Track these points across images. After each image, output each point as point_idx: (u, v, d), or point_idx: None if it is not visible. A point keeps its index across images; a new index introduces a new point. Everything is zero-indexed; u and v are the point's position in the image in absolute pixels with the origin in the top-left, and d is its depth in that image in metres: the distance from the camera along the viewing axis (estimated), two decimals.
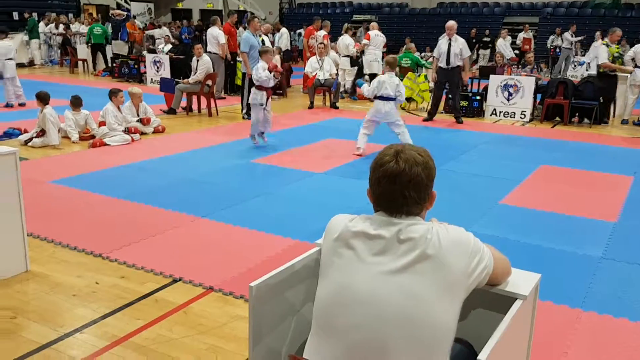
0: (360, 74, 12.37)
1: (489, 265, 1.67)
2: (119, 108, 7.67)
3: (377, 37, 12.20)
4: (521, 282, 1.91)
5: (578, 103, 9.80)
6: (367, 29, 13.01)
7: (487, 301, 1.97)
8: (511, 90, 10.14)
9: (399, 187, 1.61)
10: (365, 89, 7.10)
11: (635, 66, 9.58)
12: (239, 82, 12.55)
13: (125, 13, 18.58)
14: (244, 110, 9.62)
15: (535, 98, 10.28)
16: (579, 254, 4.10)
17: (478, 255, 1.62)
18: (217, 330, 3.02)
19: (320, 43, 11.46)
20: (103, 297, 3.35)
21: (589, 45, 16.81)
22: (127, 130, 7.60)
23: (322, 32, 12.91)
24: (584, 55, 16.58)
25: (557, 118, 10.07)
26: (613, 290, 3.53)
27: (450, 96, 10.47)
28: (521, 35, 18.96)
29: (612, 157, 7.28)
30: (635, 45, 10.44)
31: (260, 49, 7.68)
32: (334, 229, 1.73)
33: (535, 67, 10.94)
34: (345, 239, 1.67)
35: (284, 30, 14.58)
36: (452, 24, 9.45)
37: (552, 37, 18.23)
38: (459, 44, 9.26)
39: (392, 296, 1.54)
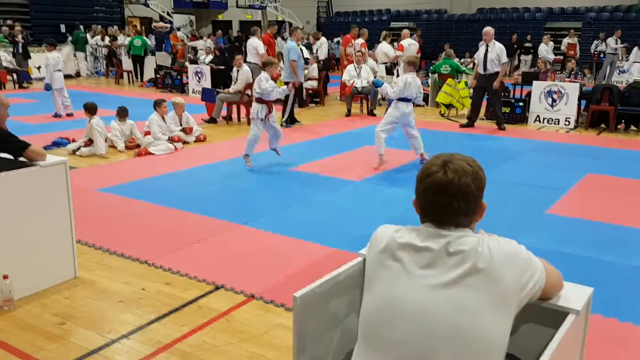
0: None
1: (541, 279, 1.62)
2: (163, 118, 7.84)
3: (410, 47, 12.17)
4: (573, 296, 1.86)
5: (624, 109, 9.49)
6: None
7: (537, 315, 1.91)
8: (555, 96, 9.91)
9: (448, 198, 1.57)
10: (389, 90, 6.85)
11: None
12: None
13: (168, 25, 19.05)
14: (284, 118, 9.69)
15: (579, 104, 10.02)
16: (629, 266, 3.95)
17: (530, 269, 1.58)
18: (259, 338, 3.04)
19: (358, 51, 11.46)
20: (148, 304, 3.42)
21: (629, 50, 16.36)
22: (171, 140, 7.77)
23: (360, 40, 12.90)
24: (627, 60, 16.12)
25: (603, 125, 9.78)
26: None
27: (491, 102, 10.34)
28: (566, 40, 18.53)
29: None
30: None
31: (264, 60, 7.26)
32: (380, 240, 1.71)
33: (578, 72, 10.66)
34: (391, 250, 1.64)
35: (323, 39, 14.64)
36: (488, 29, 9.37)
37: (595, 42, 17.75)
38: (496, 50, 9.13)
39: (442, 310, 1.51)
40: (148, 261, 4.01)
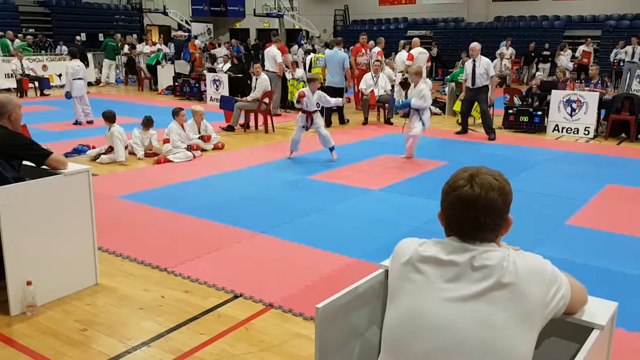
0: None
1: (567, 295, 1.61)
2: (182, 126, 7.92)
3: (420, 55, 12.13)
4: (597, 310, 1.84)
5: None
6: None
7: (561, 330, 1.90)
8: (574, 105, 9.82)
9: (474, 212, 1.57)
10: (422, 101, 7.38)
11: None
12: (292, 98, 12.75)
13: (186, 34, 19.28)
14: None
15: (599, 114, 9.91)
16: None
17: (556, 284, 1.57)
18: (278, 348, 3.04)
19: (376, 60, 11.47)
20: (168, 311, 3.44)
21: None
22: (189, 147, 7.84)
23: (377, 49, 12.93)
24: None
25: (623, 134, 9.66)
26: None
27: (509, 112, 10.34)
28: (581, 48, 18.37)
29: None
30: None
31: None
32: (403, 252, 1.71)
33: (600, 81, 10.54)
34: (415, 263, 1.64)
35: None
36: (474, 45, 9.62)
37: (615, 50, 17.55)
38: (484, 65, 9.39)
39: (467, 324, 1.51)
40: (167, 269, 4.05)
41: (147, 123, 7.93)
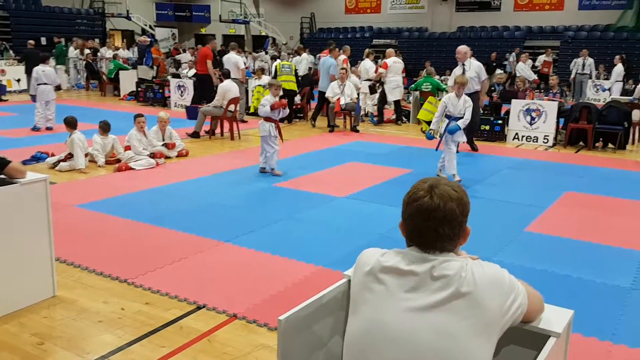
0: (383, 100, 12.41)
1: (524, 304, 1.65)
2: (144, 132, 7.79)
3: (395, 64, 12.32)
4: (554, 318, 1.88)
5: (602, 128, 9.70)
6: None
7: (519, 337, 1.93)
8: (534, 114, 10.08)
9: (433, 223, 1.60)
10: (465, 120, 6.82)
11: None
12: (257, 104, 12.73)
13: (149, 39, 19.01)
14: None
15: (558, 122, 10.20)
16: (607, 285, 4.01)
17: (513, 293, 1.60)
18: (242, 359, 3.01)
19: (342, 68, 11.55)
20: (128, 324, 3.37)
21: (609, 69, 16.71)
22: (153, 155, 7.71)
23: (342, 57, 13.03)
24: (607, 79, 16.44)
25: (581, 143, 9.96)
26: None
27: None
28: (542, 57, 18.87)
29: (638, 183, 7.16)
30: None
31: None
32: (365, 262, 1.72)
33: (559, 91, 10.86)
34: (376, 273, 1.65)
35: (304, 55, 14.73)
36: (460, 48, 9.06)
37: (575, 60, 17.98)
38: (475, 68, 8.85)
39: (426, 334, 1.52)
40: (128, 280, 3.96)
41: (105, 127, 7.75)
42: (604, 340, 3.23)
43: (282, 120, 12.18)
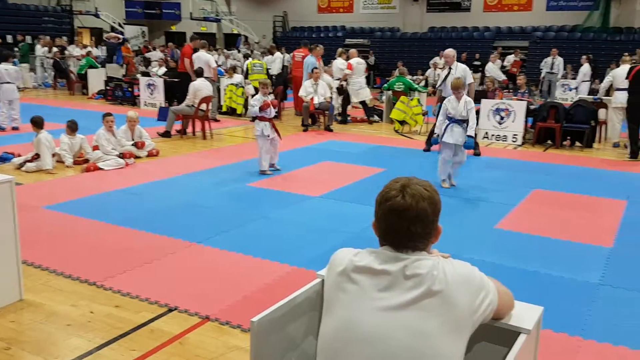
0: (347, 101, 12.42)
1: (494, 301, 1.66)
2: (112, 132, 7.64)
3: (359, 66, 12.35)
4: (524, 315, 1.90)
5: (569, 126, 9.90)
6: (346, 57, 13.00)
7: (490, 334, 1.95)
8: (503, 114, 10.24)
9: (406, 222, 1.60)
10: (473, 128, 6.57)
11: (617, 89, 9.75)
12: (230, 103, 12.65)
13: (121, 37, 18.68)
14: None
15: (526, 122, 10.38)
16: (576, 281, 4.10)
17: (484, 291, 1.62)
18: None
19: (315, 67, 11.55)
20: (98, 327, 3.30)
21: (576, 69, 17.07)
22: (122, 155, 7.57)
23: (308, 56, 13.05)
24: (574, 78, 16.79)
25: (549, 141, 10.16)
26: (612, 318, 3.53)
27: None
28: (511, 57, 19.16)
29: (605, 181, 7.33)
30: (613, 70, 10.64)
31: (260, 81, 7.68)
32: (338, 262, 1.71)
33: (527, 91, 11.06)
34: (349, 273, 1.65)
35: (277, 54, 14.70)
36: (448, 52, 8.83)
37: (545, 60, 18.26)
38: (460, 71, 8.58)
39: (399, 333, 1.52)
40: (97, 282, 3.88)
41: (73, 127, 7.58)
42: (573, 336, 3.29)
43: (253, 119, 12.19)
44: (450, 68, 8.64)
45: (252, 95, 12.35)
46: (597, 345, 3.20)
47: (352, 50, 13.11)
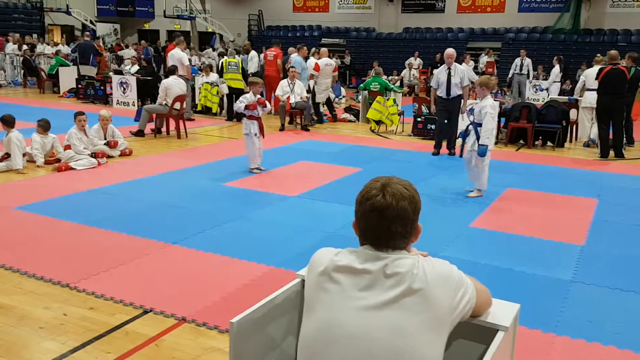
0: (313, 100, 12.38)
1: (472, 299, 1.68)
2: (84, 131, 7.50)
3: (326, 67, 12.26)
4: (501, 312, 1.93)
5: (541, 126, 10.08)
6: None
7: (469, 332, 1.97)
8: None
9: (386, 221, 1.61)
10: (491, 133, 6.26)
11: (587, 90, 9.97)
12: (205, 102, 12.54)
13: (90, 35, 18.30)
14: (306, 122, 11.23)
15: (499, 122, 10.52)
16: (549, 278, 4.17)
17: (462, 289, 1.63)
18: None
19: (291, 66, 11.52)
20: (71, 330, 3.23)
21: (547, 70, 17.37)
22: (94, 154, 7.44)
23: (296, 55, 12.99)
24: (546, 79, 17.09)
25: (521, 141, 10.32)
26: (585, 314, 3.60)
27: (418, 120, 10.69)
28: (484, 59, 19.40)
29: (576, 180, 7.48)
30: (585, 70, 10.87)
31: (250, 80, 7.65)
32: (319, 262, 1.71)
33: (500, 91, 11.21)
34: (330, 273, 1.65)
35: (253, 53, 14.62)
36: (451, 52, 8.67)
37: (515, 61, 18.51)
38: (459, 73, 8.53)
39: (379, 332, 1.53)
40: (70, 284, 3.80)
41: (46, 126, 7.42)
42: (547, 332, 3.34)
43: (229, 118, 12.12)
44: (449, 68, 8.52)
45: (227, 94, 12.30)
46: (571, 342, 3.26)
47: (323, 50, 13.04)
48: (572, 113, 10.56)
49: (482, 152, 6.20)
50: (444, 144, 9.06)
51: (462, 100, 8.80)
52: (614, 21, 21.03)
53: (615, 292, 3.94)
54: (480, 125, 6.27)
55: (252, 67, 13.95)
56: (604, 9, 21.31)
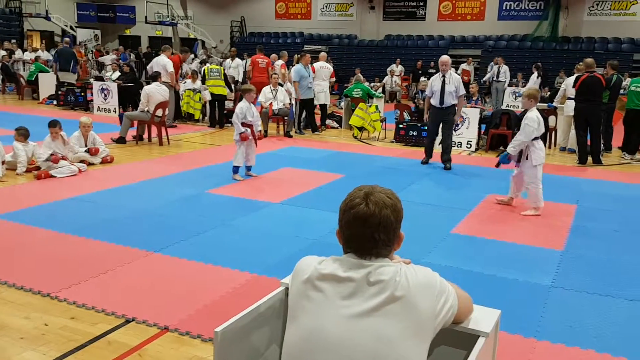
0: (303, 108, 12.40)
1: (454, 305, 1.71)
2: (63, 140, 7.40)
3: (322, 70, 12.26)
4: (482, 318, 1.96)
5: None
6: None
7: (450, 338, 2.00)
8: (457, 121, 10.46)
9: (369, 229, 1.63)
10: (518, 143, 6.07)
11: (567, 98, 10.15)
12: (188, 109, 12.48)
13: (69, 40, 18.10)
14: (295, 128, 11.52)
15: (480, 128, 10.66)
16: (530, 283, 4.23)
17: (444, 295, 1.66)
18: None
19: (274, 73, 11.55)
20: (53, 340, 3.19)
21: (527, 77, 17.66)
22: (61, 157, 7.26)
23: (280, 62, 13.03)
24: (525, 86, 17.34)
25: (502, 147, 10.44)
26: (564, 319, 3.65)
27: (400, 126, 10.77)
28: (462, 66, 19.63)
29: (556, 186, 7.57)
30: (566, 79, 11.07)
31: (242, 87, 7.75)
32: (303, 271, 1.72)
33: (480, 98, 11.36)
34: (314, 281, 1.67)
35: (238, 60, 14.61)
36: (445, 59, 8.38)
37: (493, 67, 18.74)
38: (454, 81, 8.24)
39: (363, 339, 1.55)
40: (51, 294, 3.76)
41: (26, 134, 7.32)
42: (528, 337, 3.39)
43: (212, 124, 12.08)
44: (444, 76, 8.24)
45: (209, 101, 12.26)
46: (551, 346, 3.31)
47: (322, 54, 12.99)
48: (551, 120, 10.73)
49: (502, 158, 6.26)
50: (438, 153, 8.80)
51: (457, 109, 8.49)
52: (591, 29, 21.45)
53: (593, 297, 4.01)
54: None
55: (239, 74, 13.85)
56: (582, 17, 21.72)
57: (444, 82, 8.21)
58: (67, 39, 18.20)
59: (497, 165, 6.53)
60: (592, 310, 3.81)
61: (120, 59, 18.63)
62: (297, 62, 13.14)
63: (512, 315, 3.56)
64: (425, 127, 10.54)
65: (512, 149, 6.09)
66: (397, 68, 21.09)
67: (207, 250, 4.66)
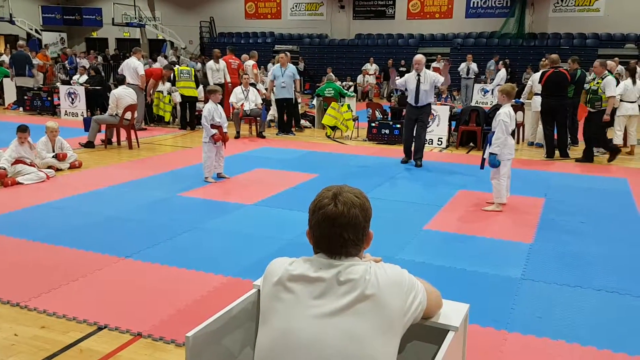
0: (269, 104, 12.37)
1: (423, 301, 1.74)
2: (29, 145, 7.25)
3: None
4: (451, 313, 2.00)
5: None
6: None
7: (420, 333, 2.03)
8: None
9: (338, 229, 1.65)
10: (500, 141, 6.03)
11: (535, 94, 10.35)
12: (158, 111, 12.34)
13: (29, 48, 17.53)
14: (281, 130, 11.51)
15: (450, 125, 10.80)
16: (500, 276, 4.30)
17: (413, 292, 1.69)
18: None
19: (245, 74, 11.49)
20: (23, 350, 3.13)
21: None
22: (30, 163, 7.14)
23: (251, 62, 12.95)
24: (492, 82, 17.62)
25: (471, 144, 10.61)
26: (534, 311, 3.73)
27: (372, 125, 10.83)
28: (433, 64, 19.82)
29: (524, 180, 7.72)
30: (533, 75, 11.29)
31: (208, 88, 7.63)
32: (274, 272, 1.73)
33: (449, 96, 11.50)
34: (285, 282, 1.68)
35: (222, 63, 14.42)
36: (419, 58, 8.41)
37: (462, 65, 19.00)
38: (429, 79, 8.22)
39: (334, 339, 1.56)
40: (20, 303, 3.68)
41: None
42: (499, 330, 3.45)
43: (184, 127, 11.96)
44: (418, 75, 8.25)
45: (180, 103, 12.13)
46: (522, 338, 3.38)
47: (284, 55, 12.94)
48: (519, 115, 10.92)
49: (491, 161, 6.04)
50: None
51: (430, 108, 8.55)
52: (556, 25, 21.89)
53: (563, 288, 4.11)
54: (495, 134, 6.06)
55: (222, 77, 13.41)
56: (547, 14, 22.15)
57: (418, 80, 8.24)
58: (21, 42, 17.67)
59: (482, 167, 6.49)
60: (561, 301, 3.90)
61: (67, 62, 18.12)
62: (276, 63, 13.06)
63: (483, 309, 3.62)
64: (397, 126, 10.70)
65: (496, 148, 6.03)
66: (372, 67, 21.21)
67: (180, 254, 4.62)
